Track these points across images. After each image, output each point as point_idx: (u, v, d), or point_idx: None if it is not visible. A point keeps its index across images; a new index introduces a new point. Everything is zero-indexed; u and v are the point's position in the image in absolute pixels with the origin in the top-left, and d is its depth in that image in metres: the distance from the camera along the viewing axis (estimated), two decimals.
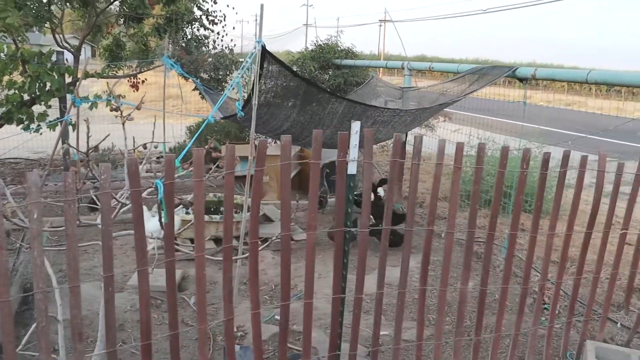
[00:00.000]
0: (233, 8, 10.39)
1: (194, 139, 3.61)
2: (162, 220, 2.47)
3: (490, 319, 4.09)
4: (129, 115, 2.85)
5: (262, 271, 5.45)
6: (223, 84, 9.13)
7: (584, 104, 32.27)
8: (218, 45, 10.14)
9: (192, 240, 5.43)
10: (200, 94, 8.71)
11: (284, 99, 4.52)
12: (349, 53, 9.44)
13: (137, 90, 9.55)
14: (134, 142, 3.07)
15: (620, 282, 4.81)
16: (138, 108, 2.94)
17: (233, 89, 3.59)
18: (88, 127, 2.71)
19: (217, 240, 5.83)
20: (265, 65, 3.84)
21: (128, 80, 9.41)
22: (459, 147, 2.94)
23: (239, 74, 3.36)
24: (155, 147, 3.00)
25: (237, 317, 4.32)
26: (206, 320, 2.65)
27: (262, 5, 3.14)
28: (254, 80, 3.52)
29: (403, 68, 6.90)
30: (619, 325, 4.45)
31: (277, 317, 4.32)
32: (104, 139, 2.89)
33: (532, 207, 3.38)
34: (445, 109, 9.80)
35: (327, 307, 3.78)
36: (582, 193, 3.45)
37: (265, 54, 3.68)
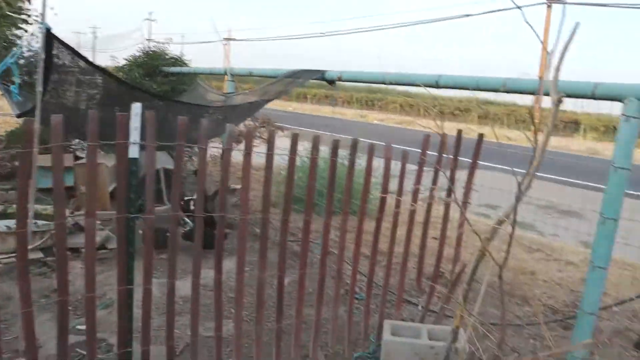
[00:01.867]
0: (52, 8, 9.67)
1: None
2: None
3: (307, 310, 4.19)
4: None
5: (70, 282, 5.06)
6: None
7: (413, 123, 35.34)
8: (33, 47, 9.34)
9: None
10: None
11: (86, 96, 4.28)
12: (178, 61, 9.27)
13: None
14: None
15: (424, 269, 5.23)
16: None
17: (5, 70, 3.29)
18: None
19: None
20: (55, 53, 3.58)
21: None
22: (248, 132, 3.00)
23: (12, 55, 3.09)
24: None
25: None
26: None
27: None
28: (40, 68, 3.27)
29: (226, 74, 6.93)
30: (419, 307, 4.83)
31: (78, 327, 4.04)
32: None
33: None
34: (282, 125, 10.01)
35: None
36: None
37: (51, 39, 3.43)
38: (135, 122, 2.59)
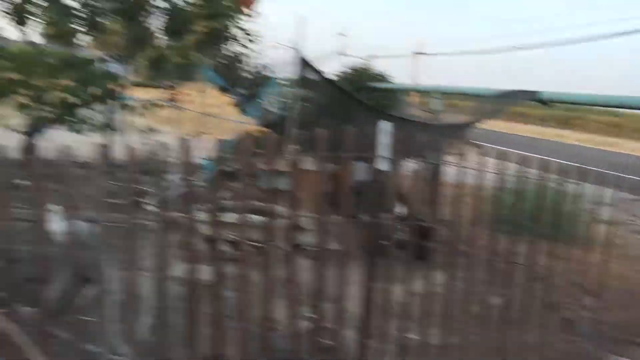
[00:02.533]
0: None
1: None
2: None
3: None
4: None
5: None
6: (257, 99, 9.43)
7: (622, 146, 31.55)
8: (254, 63, 10.49)
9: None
10: (238, 106, 9.06)
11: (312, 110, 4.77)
12: (382, 78, 9.71)
13: (176, 102, 9.93)
14: None
15: None
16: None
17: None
18: None
19: None
20: (305, 75, 4.10)
21: (170, 93, 9.77)
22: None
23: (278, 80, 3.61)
24: None
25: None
26: None
27: (300, 19, 3.40)
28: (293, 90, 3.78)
29: (433, 92, 7.12)
30: None
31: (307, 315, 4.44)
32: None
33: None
34: (476, 142, 9.94)
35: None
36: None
37: (305, 63, 3.94)
38: (384, 139, 2.89)
